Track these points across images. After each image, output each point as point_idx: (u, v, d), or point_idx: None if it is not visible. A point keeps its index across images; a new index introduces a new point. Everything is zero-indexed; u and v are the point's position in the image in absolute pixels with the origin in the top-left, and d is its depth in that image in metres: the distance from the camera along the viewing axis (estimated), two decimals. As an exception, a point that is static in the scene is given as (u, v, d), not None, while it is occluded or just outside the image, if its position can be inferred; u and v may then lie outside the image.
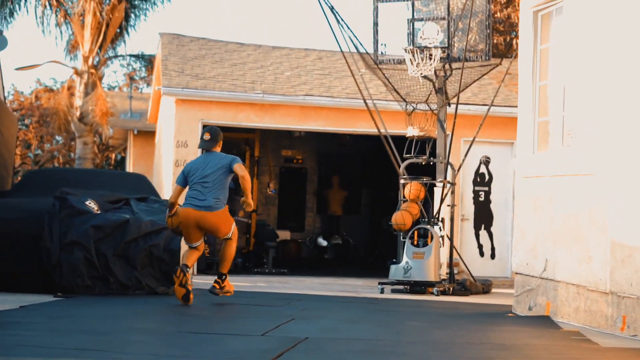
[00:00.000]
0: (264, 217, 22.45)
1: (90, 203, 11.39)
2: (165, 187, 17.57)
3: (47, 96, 35.64)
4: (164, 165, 18.54)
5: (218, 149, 10.47)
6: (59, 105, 27.18)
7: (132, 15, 27.52)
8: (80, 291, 10.79)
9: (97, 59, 27.11)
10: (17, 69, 27.17)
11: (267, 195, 23.21)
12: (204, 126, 17.26)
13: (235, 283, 14.41)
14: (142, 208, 11.69)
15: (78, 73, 26.72)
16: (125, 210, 11.53)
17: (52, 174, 15.02)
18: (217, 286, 10.26)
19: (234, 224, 10.35)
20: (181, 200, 10.47)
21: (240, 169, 10.12)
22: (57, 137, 36.58)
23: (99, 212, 11.30)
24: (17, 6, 26.07)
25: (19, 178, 27.65)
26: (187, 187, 10.30)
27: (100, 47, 26.94)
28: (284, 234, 21.62)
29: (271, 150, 22.99)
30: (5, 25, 26.15)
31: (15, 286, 10.85)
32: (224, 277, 10.34)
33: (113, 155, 36.51)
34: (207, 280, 14.58)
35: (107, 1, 26.29)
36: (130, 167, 27.24)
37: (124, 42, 27.84)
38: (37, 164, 36.11)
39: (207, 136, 10.40)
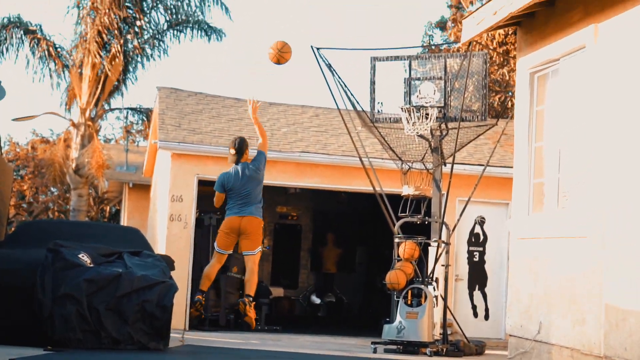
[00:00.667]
0: (258, 273, 22.35)
1: (83, 256, 11.33)
2: (160, 241, 17.52)
3: (43, 147, 35.70)
4: (159, 219, 18.50)
5: (246, 157, 11.37)
6: (55, 156, 27.19)
7: (130, 69, 27.65)
8: (71, 345, 10.68)
9: (94, 111, 27.19)
10: (14, 120, 27.20)
11: (261, 252, 23.13)
12: (200, 181, 17.30)
13: (227, 340, 14.33)
14: (135, 262, 11.62)
15: (75, 125, 26.78)
16: (118, 264, 11.46)
17: (46, 225, 14.96)
18: (244, 305, 11.15)
19: (261, 247, 11.56)
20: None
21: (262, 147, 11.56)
22: (52, 189, 36.56)
23: (92, 265, 11.23)
24: (5, 50, 26.09)
25: (13, 229, 27.60)
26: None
27: (97, 100, 27.04)
28: (278, 291, 21.54)
29: (266, 206, 22.95)
30: None
31: (6, 338, 10.76)
32: (251, 299, 11.15)
33: (108, 208, 36.47)
34: (199, 337, 14.50)
35: (106, 53, 26.41)
36: (125, 220, 27.18)
37: (122, 95, 27.94)
38: (31, 214, 36.03)
39: (232, 151, 11.33)
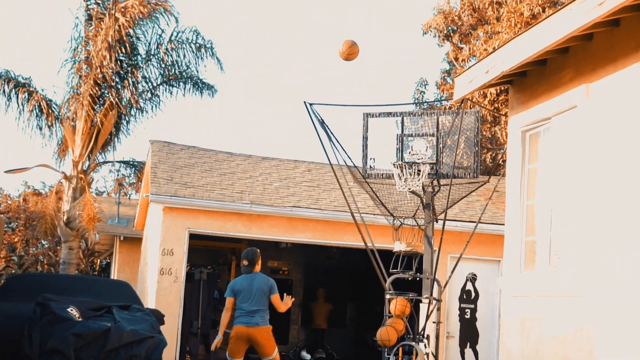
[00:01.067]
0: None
1: (72, 310, 11.27)
2: (149, 294, 17.43)
3: (34, 200, 35.63)
4: (149, 273, 18.43)
5: (258, 267, 11.88)
6: (46, 209, 27.09)
7: (124, 122, 27.69)
8: (58, 400, 10.58)
9: (87, 164, 27.18)
10: (6, 172, 27.15)
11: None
12: (191, 235, 17.25)
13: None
14: (124, 317, 11.56)
15: (67, 178, 26.74)
16: (107, 319, 11.40)
17: (36, 278, 14.91)
18: None
19: (277, 348, 11.85)
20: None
21: (276, 301, 11.79)
22: (42, 241, 36.44)
23: (80, 319, 11.17)
24: None
25: (2, 281, 27.42)
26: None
27: (90, 152, 27.04)
28: (268, 346, 21.34)
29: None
30: None
31: (-8, 393, 10.67)
32: None
33: (98, 261, 36.32)
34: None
35: (99, 107, 26.46)
36: (115, 274, 27.06)
37: (114, 148, 27.95)
38: (21, 267, 35.86)
39: (245, 262, 11.81)
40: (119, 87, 26.76)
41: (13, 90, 26.33)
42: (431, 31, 28.92)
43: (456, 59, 28.12)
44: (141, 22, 26.12)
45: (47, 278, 15.55)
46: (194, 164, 19.52)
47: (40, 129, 26.75)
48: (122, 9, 25.28)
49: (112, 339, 10.91)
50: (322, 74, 79.09)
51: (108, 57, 25.43)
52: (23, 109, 26.44)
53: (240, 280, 11.82)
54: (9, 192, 41.04)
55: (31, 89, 26.49)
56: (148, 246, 20.31)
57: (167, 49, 26.52)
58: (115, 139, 27.53)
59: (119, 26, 25.06)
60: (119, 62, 26.29)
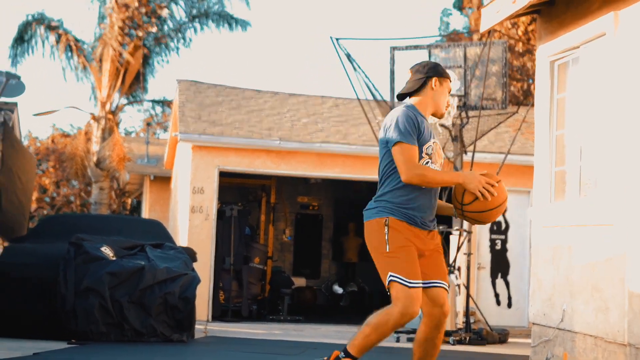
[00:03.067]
0: (280, 263, 22.41)
1: (105, 249, 11.39)
2: (181, 233, 17.57)
3: (64, 141, 35.83)
4: (180, 211, 18.56)
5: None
6: (76, 150, 27.29)
7: (150, 62, 27.72)
8: (94, 338, 10.75)
9: (114, 105, 27.28)
10: (35, 115, 27.30)
11: (283, 242, 23.18)
12: (221, 172, 17.33)
13: (250, 330, 14.36)
14: (157, 255, 11.67)
15: (95, 118, 26.87)
16: (140, 257, 11.51)
17: (68, 219, 15.05)
18: None
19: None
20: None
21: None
22: (73, 182, 36.71)
23: (114, 258, 11.29)
24: (31, 47, 26.34)
25: (35, 223, 27.72)
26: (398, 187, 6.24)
27: (118, 92, 27.13)
28: (300, 281, 21.56)
29: (287, 196, 23.00)
30: (15, 65, 26.43)
31: (30, 332, 10.83)
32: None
33: (129, 201, 36.59)
34: (222, 328, 14.53)
35: (126, 47, 26.48)
36: (146, 213, 27.28)
37: (142, 88, 28.03)
38: (53, 208, 36.20)
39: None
40: (146, 25, 26.74)
41: (46, 31, 26.40)
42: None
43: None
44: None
45: (80, 218, 15.69)
46: (222, 102, 19.53)
47: (75, 69, 26.87)
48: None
49: (146, 277, 11.03)
50: (348, 8, 78.54)
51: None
52: (57, 51, 26.52)
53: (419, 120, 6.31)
54: (37, 135, 41.30)
55: (61, 32, 26.57)
56: (178, 185, 20.44)
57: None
58: (143, 79, 27.59)
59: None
60: (145, 2, 26.25)
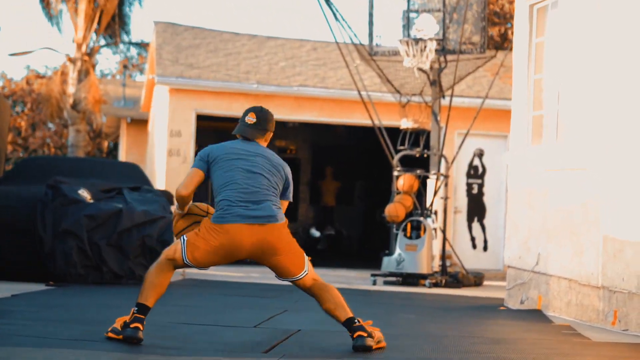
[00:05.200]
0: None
1: (83, 192, 11.37)
2: (158, 176, 17.56)
3: (39, 82, 35.54)
4: (157, 155, 18.53)
5: (264, 143, 6.73)
6: (52, 92, 27.08)
7: (127, 2, 27.45)
8: (73, 280, 10.78)
9: (90, 46, 27.03)
10: (10, 55, 27.09)
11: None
12: (199, 116, 17.28)
13: (228, 273, 14.43)
14: (135, 198, 11.66)
15: (71, 60, 26.64)
16: (118, 200, 11.50)
17: (45, 162, 14.96)
18: (365, 334, 6.27)
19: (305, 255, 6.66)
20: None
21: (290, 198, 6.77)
22: (49, 124, 36.48)
23: (91, 201, 11.28)
24: None
25: (11, 166, 27.59)
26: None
27: (95, 33, 26.88)
28: (277, 225, 21.58)
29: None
30: None
31: (8, 274, 10.84)
32: (355, 320, 6.37)
33: (106, 143, 36.44)
34: (199, 271, 14.58)
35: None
36: (123, 156, 27.21)
37: (118, 30, 27.77)
38: (27, 150, 36.02)
39: (251, 117, 6.70)
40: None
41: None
42: None
43: None
44: None
45: (56, 161, 15.62)
46: (199, 44, 19.41)
47: (47, 7, 26.57)
48: None
49: (124, 220, 11.03)
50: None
51: None
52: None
53: (227, 145, 6.76)
54: (12, 76, 40.92)
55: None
56: (155, 128, 20.37)
57: None
58: (119, 20, 27.32)
59: None
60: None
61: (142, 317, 6.18)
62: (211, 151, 6.65)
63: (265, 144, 6.72)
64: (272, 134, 6.76)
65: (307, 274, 6.57)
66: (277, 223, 6.44)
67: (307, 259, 6.63)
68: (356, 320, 6.33)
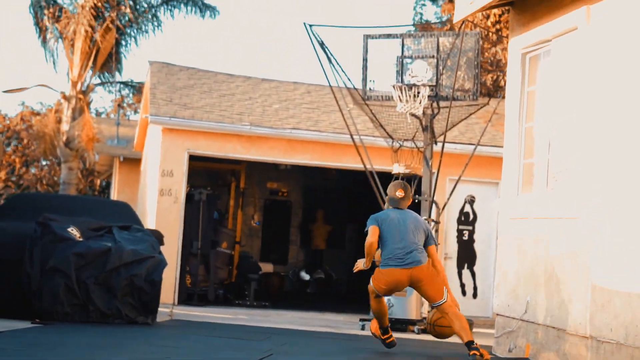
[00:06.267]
0: (247, 249, 22.40)
1: (72, 230, 11.34)
2: (149, 215, 17.53)
3: (34, 119, 35.56)
4: (149, 194, 18.50)
5: (408, 202, 9.72)
6: (46, 129, 27.10)
7: (123, 42, 27.55)
8: (59, 318, 10.71)
9: (85, 84, 27.09)
10: (5, 92, 27.10)
11: (251, 227, 23.17)
12: (191, 156, 17.28)
13: (216, 315, 14.36)
14: (124, 237, 11.63)
15: (66, 98, 26.68)
16: (107, 239, 11.47)
17: (36, 198, 14.97)
18: (477, 353, 8.90)
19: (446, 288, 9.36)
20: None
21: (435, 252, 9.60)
22: (42, 161, 36.47)
23: (81, 239, 11.24)
24: None
25: (2, 201, 27.53)
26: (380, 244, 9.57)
27: (91, 70, 26.95)
28: (267, 267, 21.58)
29: (257, 182, 22.98)
30: None
31: (-6, 311, 10.77)
32: (473, 344, 9.01)
33: (98, 182, 36.41)
34: (187, 312, 14.52)
35: (99, 26, 26.30)
36: (115, 194, 27.17)
37: (116, 68, 27.86)
38: (20, 187, 35.96)
39: (400, 193, 9.64)
40: (119, 5, 26.56)
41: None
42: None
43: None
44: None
45: (48, 198, 15.61)
46: (194, 85, 19.46)
47: (45, 44, 26.68)
48: None
49: (112, 259, 10.99)
50: (323, -6, 78.41)
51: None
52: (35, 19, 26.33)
53: (388, 214, 9.64)
54: (7, 113, 40.94)
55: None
56: (148, 167, 20.37)
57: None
58: (115, 59, 27.41)
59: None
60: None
61: None
62: None
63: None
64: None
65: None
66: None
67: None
68: (473, 343, 8.93)
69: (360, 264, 9.67)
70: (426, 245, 9.50)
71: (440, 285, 9.28)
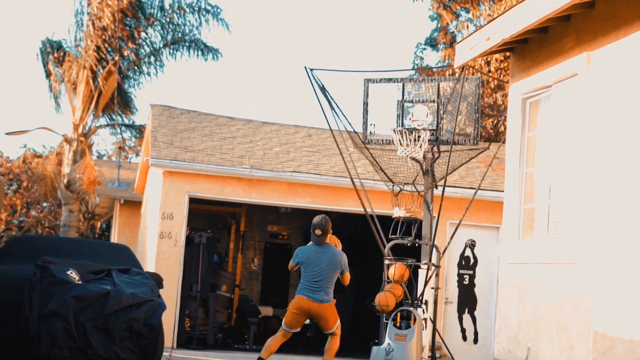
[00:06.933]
0: (247, 292, 22.32)
1: (71, 273, 11.29)
2: (149, 258, 17.48)
3: (35, 162, 35.62)
4: (149, 236, 18.47)
5: (328, 237, 11.63)
6: (47, 171, 27.15)
7: (125, 86, 27.69)
8: (57, 362, 10.64)
9: (87, 127, 27.18)
10: (7, 134, 27.18)
11: (251, 271, 23.10)
12: (191, 199, 17.27)
13: (215, 359, 14.27)
14: (123, 280, 11.58)
15: (67, 140, 26.75)
16: (106, 282, 11.42)
17: (36, 241, 14.89)
18: None
19: (339, 321, 11.81)
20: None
21: (347, 279, 12.02)
22: (43, 204, 36.48)
23: (80, 282, 11.20)
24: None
25: (2, 243, 27.49)
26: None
27: (92, 114, 27.05)
28: (267, 310, 21.47)
29: (257, 225, 22.94)
30: None
31: (-9, 355, 10.72)
32: None
33: (98, 224, 36.38)
34: (186, 355, 14.44)
35: (100, 70, 26.43)
36: (115, 237, 27.13)
37: (116, 112, 27.96)
38: (21, 229, 35.93)
39: (318, 232, 11.44)
40: (122, 49, 26.72)
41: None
42: None
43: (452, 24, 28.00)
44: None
45: (48, 241, 15.54)
46: (195, 128, 19.50)
47: (51, 88, 26.83)
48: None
49: (111, 302, 10.94)
50: (324, 39, 78.86)
51: (111, 18, 25.38)
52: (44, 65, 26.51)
53: (309, 250, 11.60)
54: (9, 155, 41.04)
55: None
56: (148, 210, 20.35)
57: (171, 13, 26.48)
58: (119, 102, 27.53)
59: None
60: (122, 26, 26.24)
61: None
62: None
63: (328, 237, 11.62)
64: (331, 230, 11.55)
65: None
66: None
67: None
68: None
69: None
70: (342, 274, 11.84)
71: (335, 320, 11.83)
